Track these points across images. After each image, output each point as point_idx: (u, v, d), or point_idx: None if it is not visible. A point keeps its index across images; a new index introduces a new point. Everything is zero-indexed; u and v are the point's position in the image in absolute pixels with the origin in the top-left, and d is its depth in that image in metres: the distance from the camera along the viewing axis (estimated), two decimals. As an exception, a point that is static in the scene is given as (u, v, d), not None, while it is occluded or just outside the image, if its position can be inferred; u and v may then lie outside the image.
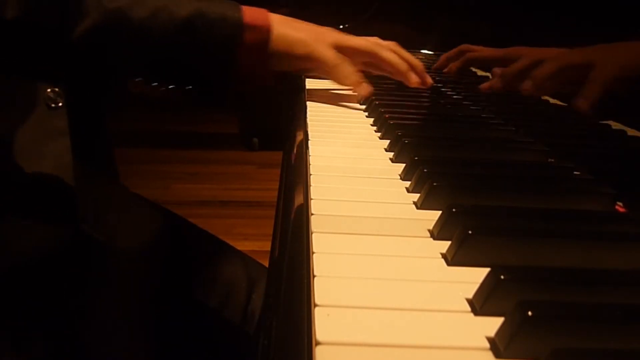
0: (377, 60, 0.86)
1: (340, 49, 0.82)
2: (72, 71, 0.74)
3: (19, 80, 0.70)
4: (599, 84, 0.76)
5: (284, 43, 0.78)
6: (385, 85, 0.93)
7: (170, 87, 0.76)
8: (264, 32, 0.76)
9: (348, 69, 0.81)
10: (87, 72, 0.77)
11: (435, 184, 0.44)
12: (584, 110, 0.76)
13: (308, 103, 0.81)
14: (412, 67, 0.87)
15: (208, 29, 0.73)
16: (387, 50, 0.86)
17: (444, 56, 1.26)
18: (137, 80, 0.75)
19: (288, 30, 0.79)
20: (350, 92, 0.94)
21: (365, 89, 0.82)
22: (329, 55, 0.80)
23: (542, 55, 0.86)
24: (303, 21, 0.83)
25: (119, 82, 0.78)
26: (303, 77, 0.99)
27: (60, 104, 0.70)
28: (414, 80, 0.86)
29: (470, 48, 1.24)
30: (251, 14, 0.75)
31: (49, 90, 0.69)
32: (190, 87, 0.78)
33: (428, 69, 1.27)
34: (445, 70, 1.23)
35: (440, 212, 0.40)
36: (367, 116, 0.77)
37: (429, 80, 0.88)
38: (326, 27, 0.85)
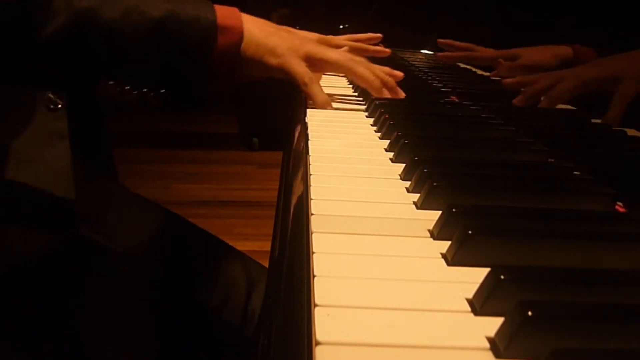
0: (350, 76, 0.85)
1: (313, 60, 0.80)
2: (69, 73, 0.73)
3: (20, 83, 0.70)
4: (627, 98, 0.76)
5: (255, 50, 0.76)
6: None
7: (143, 90, 0.74)
8: (237, 34, 0.74)
9: (316, 89, 0.79)
10: (82, 75, 0.76)
11: (435, 184, 0.44)
12: (615, 124, 0.76)
13: (308, 102, 0.81)
14: (384, 83, 0.84)
15: (180, 31, 0.71)
16: (361, 66, 0.83)
17: (451, 41, 1.29)
18: (109, 83, 0.73)
19: (260, 35, 0.77)
20: (350, 93, 0.94)
21: (330, 105, 0.80)
22: (300, 71, 0.78)
23: (560, 74, 0.86)
24: (276, 26, 0.82)
25: (88, 86, 0.76)
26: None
27: (60, 106, 0.69)
28: (385, 95, 0.84)
29: (476, 48, 1.25)
30: (224, 14, 0.74)
31: (49, 93, 0.69)
32: (163, 90, 0.76)
33: (430, 70, 1.27)
34: (443, 55, 1.27)
35: (440, 212, 0.40)
36: (367, 116, 0.77)
37: (402, 94, 0.86)
38: (303, 33, 0.83)
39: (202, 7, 0.73)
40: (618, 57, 0.81)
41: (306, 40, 0.81)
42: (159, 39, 0.71)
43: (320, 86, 0.80)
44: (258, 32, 0.77)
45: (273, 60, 0.77)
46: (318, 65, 0.81)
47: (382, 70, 0.85)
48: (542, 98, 0.87)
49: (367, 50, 0.95)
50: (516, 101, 0.89)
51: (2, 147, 0.67)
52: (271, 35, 0.78)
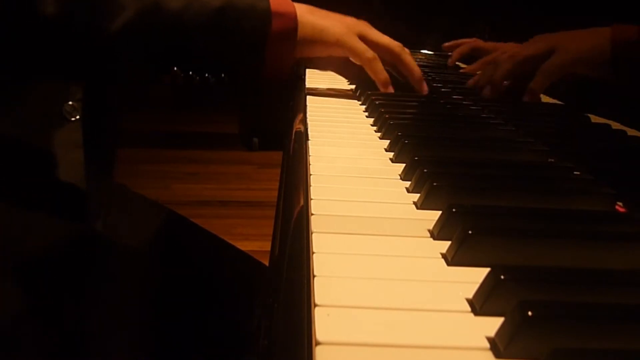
0: (398, 62, 0.88)
1: (365, 41, 0.84)
2: (92, 80, 0.75)
3: (40, 92, 0.71)
4: (553, 67, 0.78)
5: (312, 30, 0.80)
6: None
7: (205, 75, 0.79)
8: (292, 19, 0.78)
9: (380, 66, 0.84)
10: (108, 78, 0.78)
11: (435, 184, 0.44)
12: (536, 95, 0.79)
13: (308, 103, 0.81)
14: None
15: (238, 18, 0.75)
16: (409, 54, 0.88)
17: (454, 43, 1.30)
18: (174, 69, 0.78)
19: (314, 18, 0.81)
20: (350, 92, 0.94)
21: (391, 89, 0.85)
22: (361, 47, 0.83)
23: (495, 59, 0.89)
24: (325, 11, 0.85)
25: (151, 76, 0.82)
26: (303, 77, 0.99)
27: (77, 117, 0.71)
28: (425, 89, 0.89)
29: (481, 44, 1.26)
30: (278, 2, 0.77)
31: (68, 103, 0.71)
32: (222, 75, 0.81)
33: (430, 70, 1.27)
34: (448, 46, 1.26)
35: (440, 212, 0.40)
36: (367, 116, 0.77)
37: (425, 89, 0.91)
38: (351, 17, 0.87)
39: None
40: (553, 34, 0.83)
41: (357, 22, 0.86)
42: (219, 27, 0.74)
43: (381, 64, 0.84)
44: (311, 15, 0.81)
45: (331, 38, 0.82)
46: (369, 46, 0.85)
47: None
48: (484, 89, 0.91)
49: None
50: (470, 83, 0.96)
51: (20, 151, 0.69)
52: (324, 18, 0.83)
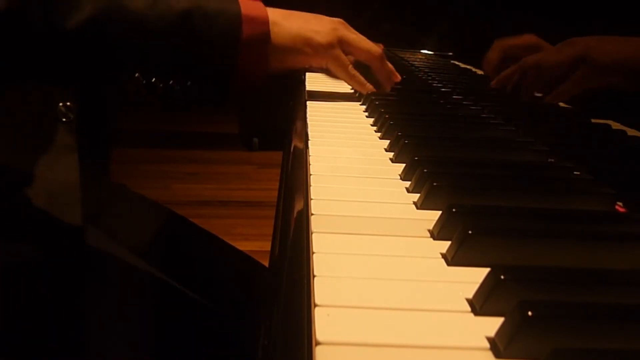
0: (375, 66, 0.86)
1: (346, 46, 0.82)
2: (94, 67, 0.72)
3: (34, 94, 0.69)
4: (574, 86, 0.77)
5: (289, 39, 0.77)
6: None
7: (169, 83, 0.73)
8: (264, 23, 0.74)
9: (362, 79, 0.82)
10: (96, 79, 0.75)
11: (435, 184, 0.44)
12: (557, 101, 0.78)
13: (308, 103, 0.81)
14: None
15: (207, 22, 0.71)
16: (387, 62, 0.87)
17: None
18: (135, 77, 0.72)
19: (292, 26, 0.78)
20: (350, 92, 0.94)
21: (369, 88, 0.84)
22: (340, 57, 0.80)
23: (528, 60, 0.87)
24: (303, 14, 0.82)
25: (117, 80, 0.74)
26: (303, 77, 0.99)
27: (71, 118, 0.69)
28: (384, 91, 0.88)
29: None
30: (248, 6, 0.74)
31: (61, 104, 0.69)
32: (190, 83, 0.75)
33: (430, 70, 1.27)
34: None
35: (440, 212, 0.40)
36: (367, 116, 0.77)
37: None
38: (332, 19, 0.84)
39: (227, 0, 0.73)
40: (585, 39, 0.80)
41: (337, 25, 0.83)
42: (185, 30, 0.70)
43: (353, 70, 0.83)
44: (288, 23, 0.77)
45: (309, 50, 0.78)
46: (349, 51, 0.83)
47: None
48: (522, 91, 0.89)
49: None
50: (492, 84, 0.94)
51: (13, 154, 0.67)
52: (303, 25, 0.79)
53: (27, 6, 0.65)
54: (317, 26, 0.80)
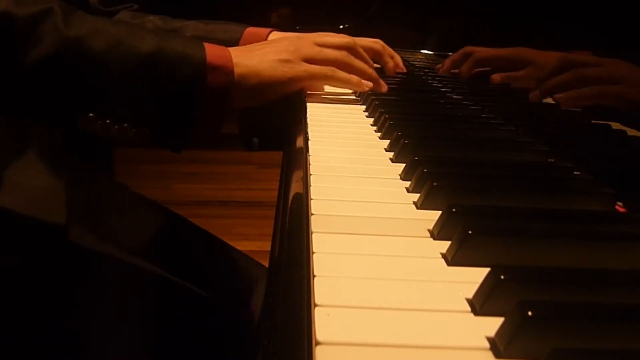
0: (350, 70, 0.83)
1: (314, 61, 0.79)
2: (52, 104, 0.70)
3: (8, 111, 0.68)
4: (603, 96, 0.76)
5: (257, 76, 0.74)
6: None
7: (123, 125, 0.69)
8: (227, 73, 0.71)
9: (341, 73, 0.79)
10: (50, 114, 0.72)
11: (435, 184, 0.44)
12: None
13: (308, 103, 0.81)
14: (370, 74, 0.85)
15: (169, 68, 0.68)
16: (360, 61, 0.84)
17: (448, 60, 1.22)
18: (89, 116, 0.68)
19: (254, 61, 0.74)
20: (350, 93, 0.94)
21: (363, 83, 0.82)
22: (316, 70, 0.78)
23: (583, 72, 0.83)
24: (265, 42, 0.80)
25: (70, 118, 0.70)
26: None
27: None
28: (383, 89, 0.85)
29: (474, 50, 1.21)
30: (213, 52, 0.71)
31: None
32: (146, 129, 0.72)
33: (430, 70, 1.27)
34: (455, 72, 1.19)
35: (440, 212, 0.40)
36: (367, 116, 0.77)
37: (384, 88, 0.86)
38: (286, 40, 0.81)
39: (191, 45, 0.70)
40: (624, 63, 0.79)
41: (302, 44, 0.80)
42: (147, 75, 0.68)
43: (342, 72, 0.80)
44: (250, 60, 0.74)
45: (283, 78, 0.75)
46: (319, 64, 0.80)
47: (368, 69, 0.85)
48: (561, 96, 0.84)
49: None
50: (531, 97, 0.88)
51: None
52: (263, 59, 0.75)
53: None
54: (277, 54, 0.76)
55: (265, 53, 0.76)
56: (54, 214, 0.69)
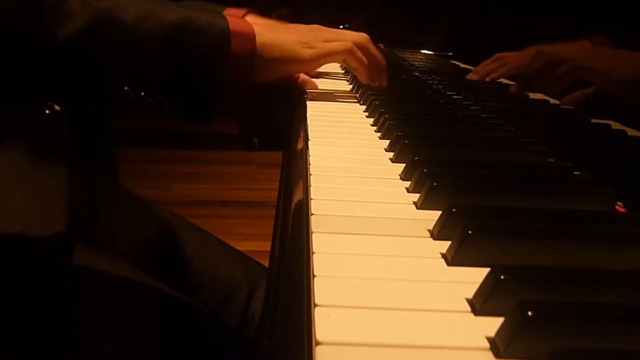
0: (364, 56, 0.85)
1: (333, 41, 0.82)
2: (83, 80, 0.72)
3: (20, 93, 0.68)
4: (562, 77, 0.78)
5: (280, 49, 0.77)
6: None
7: (158, 97, 0.73)
8: (250, 40, 0.75)
9: (373, 49, 0.83)
10: (86, 91, 0.75)
11: (435, 184, 0.44)
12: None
13: (308, 103, 0.81)
14: (377, 67, 0.87)
15: (196, 36, 0.71)
16: (375, 49, 0.86)
17: (482, 68, 1.21)
18: (124, 90, 0.71)
19: (278, 35, 0.78)
20: (350, 93, 0.94)
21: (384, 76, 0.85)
22: (337, 45, 0.81)
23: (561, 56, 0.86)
24: (284, 23, 0.83)
25: (107, 93, 0.74)
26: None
27: (57, 109, 0.68)
28: (378, 83, 0.87)
29: (503, 56, 1.20)
30: (235, 22, 0.74)
31: (49, 104, 0.67)
32: (178, 98, 0.76)
33: (430, 67, 1.27)
34: (484, 78, 1.20)
35: (440, 212, 0.40)
36: (367, 116, 0.77)
37: (384, 84, 0.89)
38: (309, 26, 0.84)
39: (214, 15, 0.73)
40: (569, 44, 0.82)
41: (321, 29, 0.83)
42: (175, 44, 0.70)
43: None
44: (274, 36, 0.78)
45: (306, 52, 0.79)
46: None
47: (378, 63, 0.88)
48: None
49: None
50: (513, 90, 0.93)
51: None
52: (287, 36, 0.79)
53: (20, 18, 0.64)
54: (300, 34, 0.80)
55: (287, 30, 0.80)
56: (56, 221, 0.69)
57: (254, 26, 0.76)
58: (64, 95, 0.71)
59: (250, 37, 0.74)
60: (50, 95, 0.70)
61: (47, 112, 0.68)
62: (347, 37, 0.84)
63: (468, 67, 1.41)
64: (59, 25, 0.64)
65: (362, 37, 0.85)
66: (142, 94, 0.70)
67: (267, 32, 0.77)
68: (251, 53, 0.75)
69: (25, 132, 0.68)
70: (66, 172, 0.68)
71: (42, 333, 0.69)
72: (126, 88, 0.70)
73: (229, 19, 0.74)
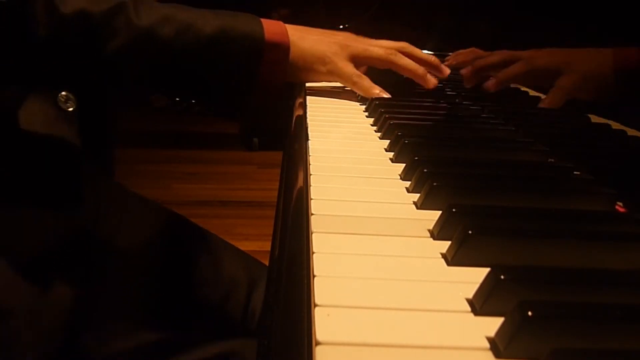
0: (394, 68, 0.87)
1: (358, 59, 0.84)
2: (127, 88, 0.76)
3: (34, 83, 0.70)
4: (564, 92, 0.80)
5: (303, 62, 0.81)
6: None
7: (192, 101, 0.78)
8: (285, 49, 0.78)
9: (367, 84, 0.83)
10: (126, 96, 0.79)
11: (435, 184, 0.44)
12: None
13: (308, 102, 0.81)
14: (429, 64, 0.89)
15: (231, 47, 0.74)
16: (402, 57, 0.87)
17: (454, 56, 1.25)
18: (158, 95, 0.77)
19: (306, 46, 0.81)
20: (350, 92, 0.94)
21: (382, 94, 0.85)
22: (348, 71, 0.83)
23: (515, 54, 0.89)
24: (317, 30, 0.85)
25: (140, 97, 0.80)
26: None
27: (72, 108, 0.70)
28: (431, 83, 0.88)
29: (479, 54, 1.22)
30: (271, 29, 0.77)
31: (62, 93, 0.70)
32: (210, 102, 0.80)
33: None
34: (459, 71, 1.23)
35: (440, 212, 0.40)
36: (367, 116, 0.77)
37: (447, 71, 0.91)
38: (343, 34, 0.87)
39: (251, 22, 0.76)
40: (562, 51, 0.83)
41: (349, 40, 0.85)
42: (211, 55, 0.74)
43: (368, 79, 0.84)
44: (304, 43, 0.81)
45: (322, 68, 0.82)
46: (363, 62, 0.86)
47: (426, 57, 0.90)
48: (491, 77, 0.90)
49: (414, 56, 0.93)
50: (464, 73, 0.95)
51: (13, 142, 0.68)
52: (317, 44, 0.82)
53: (67, 35, 0.68)
54: (329, 45, 0.83)
55: (319, 40, 0.83)
56: (71, 178, 0.71)
57: (289, 32, 0.79)
58: (110, 96, 0.76)
59: (285, 47, 0.78)
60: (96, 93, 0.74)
61: (64, 109, 0.69)
62: (372, 54, 0.85)
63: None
64: (105, 42, 0.69)
65: (386, 52, 0.86)
66: (177, 99, 0.75)
67: (300, 40, 0.80)
68: (284, 61, 0.78)
69: (41, 116, 0.69)
70: (78, 147, 0.69)
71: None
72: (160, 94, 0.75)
73: (265, 26, 0.76)
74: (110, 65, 0.71)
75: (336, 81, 0.86)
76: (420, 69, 0.87)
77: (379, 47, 0.86)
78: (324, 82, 0.94)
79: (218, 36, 0.74)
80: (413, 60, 0.87)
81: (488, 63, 0.93)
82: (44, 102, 0.69)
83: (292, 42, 0.79)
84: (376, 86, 0.84)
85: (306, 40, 0.81)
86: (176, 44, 0.72)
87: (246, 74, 0.76)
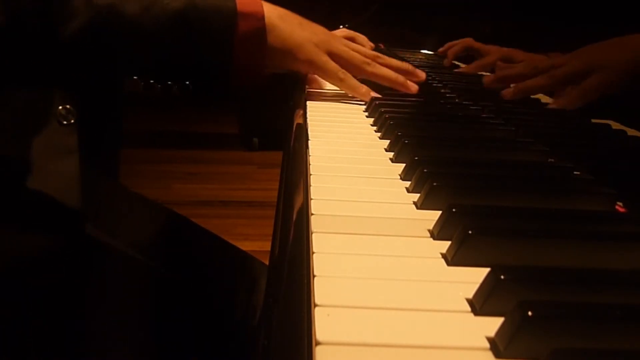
0: (372, 78, 0.85)
1: (336, 58, 0.81)
2: (83, 85, 0.73)
3: (32, 97, 0.69)
4: (591, 91, 0.78)
5: (281, 44, 0.77)
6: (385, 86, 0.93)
7: (168, 84, 0.74)
8: (259, 19, 0.74)
9: (354, 82, 0.81)
10: (97, 83, 0.76)
11: (435, 184, 0.44)
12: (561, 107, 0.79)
13: (308, 103, 0.81)
14: (404, 71, 0.86)
15: (202, 21, 0.71)
16: (380, 67, 0.85)
17: (448, 47, 1.30)
18: (134, 79, 0.73)
19: (286, 29, 0.77)
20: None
21: (371, 95, 0.83)
22: (332, 67, 0.80)
23: (537, 67, 0.87)
24: (299, 17, 0.82)
25: (116, 83, 0.75)
26: (303, 77, 0.99)
27: (72, 121, 0.69)
28: (413, 88, 0.86)
29: (473, 45, 1.25)
30: (245, 2, 0.73)
31: (61, 107, 0.68)
32: (188, 83, 0.76)
33: (430, 67, 1.27)
34: (443, 51, 1.28)
35: (440, 212, 0.40)
36: (367, 116, 0.77)
37: (423, 75, 0.89)
38: (321, 28, 0.84)
39: None
40: (589, 49, 0.81)
41: (329, 36, 0.82)
42: (181, 30, 0.71)
43: (354, 78, 0.82)
44: (283, 25, 0.77)
45: (302, 56, 0.78)
46: (339, 63, 0.82)
47: (400, 65, 0.87)
48: (511, 85, 0.89)
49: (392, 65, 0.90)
50: (490, 78, 0.94)
51: (9, 158, 0.67)
52: (298, 29, 0.78)
53: (26, 20, 0.65)
54: (311, 34, 0.79)
55: (299, 26, 0.79)
56: (69, 196, 0.70)
57: (266, 11, 0.75)
58: (76, 84, 0.72)
59: (259, 17, 0.74)
60: (63, 84, 0.71)
61: (64, 122, 0.68)
62: (352, 57, 0.82)
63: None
64: (64, 24, 0.66)
65: (363, 60, 0.83)
66: (151, 81, 0.71)
67: (279, 20, 0.76)
68: (260, 32, 0.74)
69: (40, 134, 0.69)
70: (77, 166, 0.69)
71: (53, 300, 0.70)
72: (135, 77, 0.71)
73: (238, 0, 0.73)
74: (72, 48, 0.68)
75: (315, 74, 0.83)
76: (399, 77, 0.85)
77: (358, 53, 0.84)
78: (323, 82, 0.94)
79: (186, 10, 0.70)
80: (390, 68, 0.85)
81: (513, 74, 0.90)
82: (42, 116, 0.68)
83: (269, 17, 0.75)
84: (363, 85, 0.82)
85: (286, 22, 0.78)
86: (142, 20, 0.69)
87: (221, 47, 0.72)
